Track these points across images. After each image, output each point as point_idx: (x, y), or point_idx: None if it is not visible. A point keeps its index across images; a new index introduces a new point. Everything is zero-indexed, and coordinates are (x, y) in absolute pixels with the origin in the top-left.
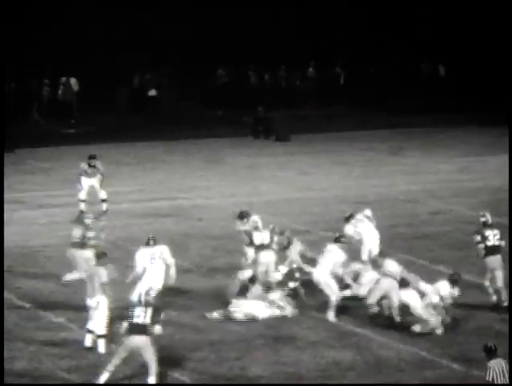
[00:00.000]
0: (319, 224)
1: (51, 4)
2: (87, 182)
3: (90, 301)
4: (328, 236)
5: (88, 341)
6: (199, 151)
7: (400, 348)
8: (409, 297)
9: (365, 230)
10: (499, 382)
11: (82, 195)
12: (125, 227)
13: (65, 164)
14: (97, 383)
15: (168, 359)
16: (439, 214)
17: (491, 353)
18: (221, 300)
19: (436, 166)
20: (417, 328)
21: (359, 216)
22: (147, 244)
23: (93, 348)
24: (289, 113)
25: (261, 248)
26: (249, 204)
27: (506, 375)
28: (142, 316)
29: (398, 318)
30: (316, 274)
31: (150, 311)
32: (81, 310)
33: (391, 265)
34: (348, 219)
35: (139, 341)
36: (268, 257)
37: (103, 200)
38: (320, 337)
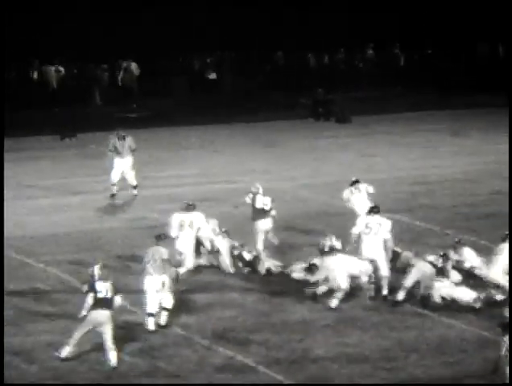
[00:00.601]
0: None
1: None
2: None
3: (149, 282)
4: (389, 218)
5: (151, 324)
6: (259, 134)
7: (463, 329)
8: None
9: (357, 201)
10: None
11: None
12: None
13: None
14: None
15: (231, 342)
16: (500, 194)
17: (506, 328)
18: (283, 281)
19: (496, 146)
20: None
21: (361, 187)
22: (183, 209)
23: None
24: (349, 95)
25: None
26: (309, 186)
27: None
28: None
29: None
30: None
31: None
32: (144, 293)
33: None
34: (351, 184)
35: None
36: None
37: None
38: (383, 318)
